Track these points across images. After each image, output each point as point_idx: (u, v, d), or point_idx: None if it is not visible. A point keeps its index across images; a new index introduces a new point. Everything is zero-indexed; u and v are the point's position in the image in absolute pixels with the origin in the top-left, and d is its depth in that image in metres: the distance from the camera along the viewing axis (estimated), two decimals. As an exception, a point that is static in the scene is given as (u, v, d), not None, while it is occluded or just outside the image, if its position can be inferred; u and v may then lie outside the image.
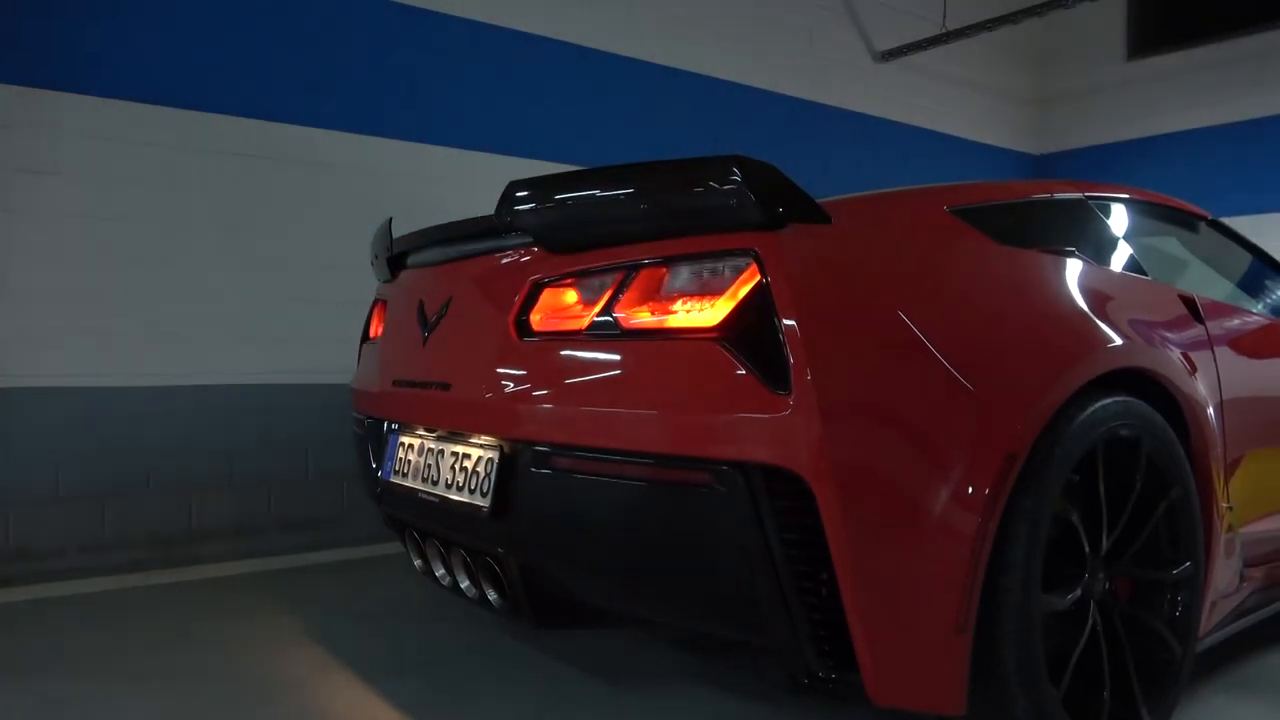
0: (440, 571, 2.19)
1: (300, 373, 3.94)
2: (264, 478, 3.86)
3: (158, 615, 2.82)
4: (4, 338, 3.37)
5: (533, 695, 2.15)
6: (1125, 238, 2.28)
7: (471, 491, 1.86)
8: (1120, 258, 2.20)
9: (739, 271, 1.55)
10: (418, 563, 2.29)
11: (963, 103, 6.74)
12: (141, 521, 3.58)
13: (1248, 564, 2.19)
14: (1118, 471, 1.77)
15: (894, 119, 6.28)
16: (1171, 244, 2.79)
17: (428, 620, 2.74)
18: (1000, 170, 6.93)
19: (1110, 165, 6.75)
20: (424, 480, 2.05)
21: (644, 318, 1.65)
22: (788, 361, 1.44)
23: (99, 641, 2.55)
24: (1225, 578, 2.08)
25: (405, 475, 2.13)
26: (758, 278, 1.51)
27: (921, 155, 6.43)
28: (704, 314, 1.56)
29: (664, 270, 1.66)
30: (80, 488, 3.48)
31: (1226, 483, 2.06)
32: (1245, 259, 2.76)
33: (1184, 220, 2.69)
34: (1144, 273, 2.19)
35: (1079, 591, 1.71)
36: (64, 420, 3.46)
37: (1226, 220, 2.78)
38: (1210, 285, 2.54)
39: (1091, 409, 1.68)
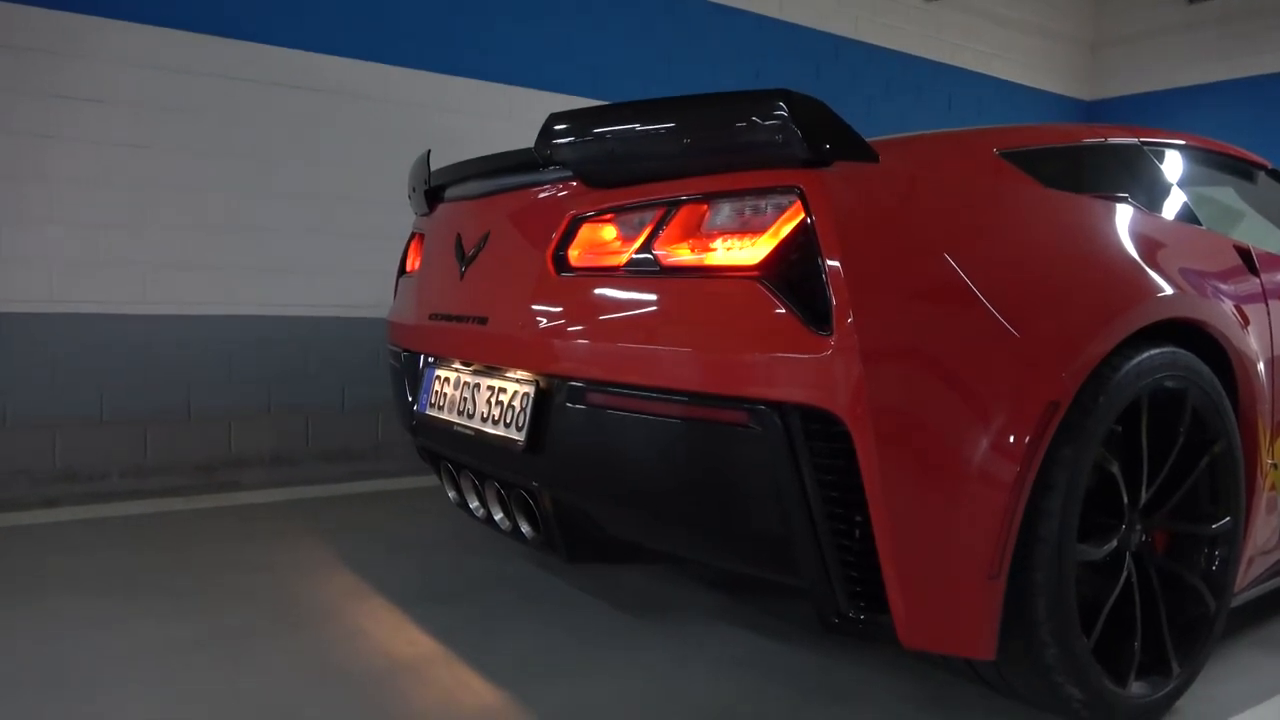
0: (474, 504, 2.21)
1: (337, 306, 3.97)
2: (301, 408, 3.92)
3: (196, 540, 2.89)
4: (51, 262, 3.42)
5: (563, 627, 2.19)
6: (1180, 185, 2.21)
7: (507, 425, 1.87)
8: (1174, 206, 2.14)
9: (782, 209, 1.52)
10: (452, 495, 2.31)
11: (1013, 45, 6.53)
12: (182, 447, 3.66)
13: (1288, 522, 2.15)
14: (1161, 423, 1.74)
15: (941, 60, 6.11)
16: (1228, 194, 2.70)
17: (461, 551, 2.78)
18: (1050, 116, 6.74)
19: (1166, 112, 6.53)
20: (459, 413, 2.06)
21: (684, 255, 1.63)
22: (830, 302, 1.42)
23: (137, 562, 2.62)
24: (1264, 535, 2.05)
25: (441, 408, 2.15)
26: (801, 216, 1.48)
27: (968, 98, 6.26)
28: (745, 252, 1.53)
29: (705, 207, 1.63)
30: (123, 413, 3.56)
31: (1273, 440, 2.02)
32: (1306, 211, 2.67)
33: (1242, 169, 2.61)
34: (1198, 222, 2.13)
35: (1115, 543, 1.69)
36: (108, 346, 3.53)
37: (1287, 171, 2.68)
38: (1268, 237, 2.46)
39: (1138, 359, 1.64)
